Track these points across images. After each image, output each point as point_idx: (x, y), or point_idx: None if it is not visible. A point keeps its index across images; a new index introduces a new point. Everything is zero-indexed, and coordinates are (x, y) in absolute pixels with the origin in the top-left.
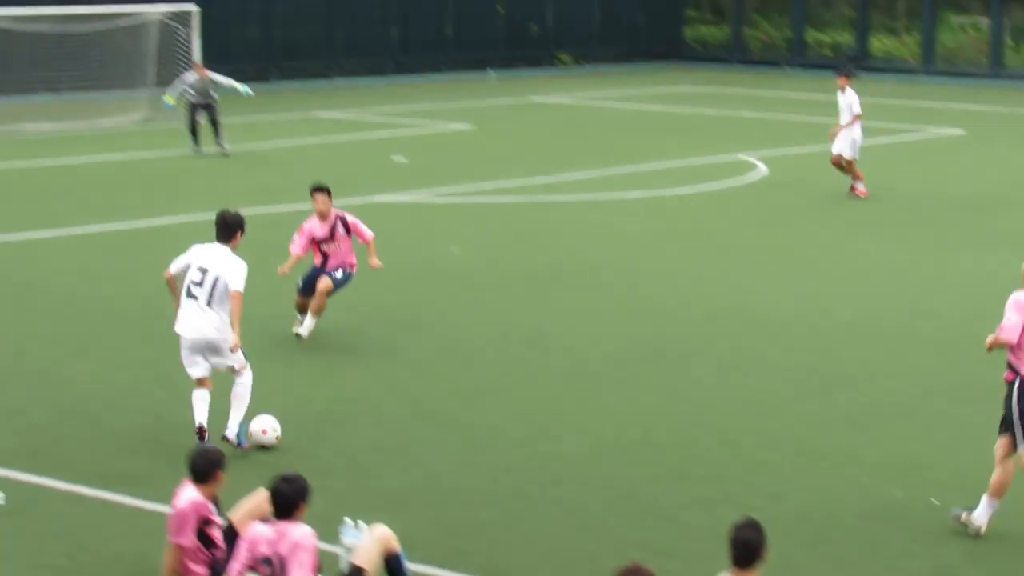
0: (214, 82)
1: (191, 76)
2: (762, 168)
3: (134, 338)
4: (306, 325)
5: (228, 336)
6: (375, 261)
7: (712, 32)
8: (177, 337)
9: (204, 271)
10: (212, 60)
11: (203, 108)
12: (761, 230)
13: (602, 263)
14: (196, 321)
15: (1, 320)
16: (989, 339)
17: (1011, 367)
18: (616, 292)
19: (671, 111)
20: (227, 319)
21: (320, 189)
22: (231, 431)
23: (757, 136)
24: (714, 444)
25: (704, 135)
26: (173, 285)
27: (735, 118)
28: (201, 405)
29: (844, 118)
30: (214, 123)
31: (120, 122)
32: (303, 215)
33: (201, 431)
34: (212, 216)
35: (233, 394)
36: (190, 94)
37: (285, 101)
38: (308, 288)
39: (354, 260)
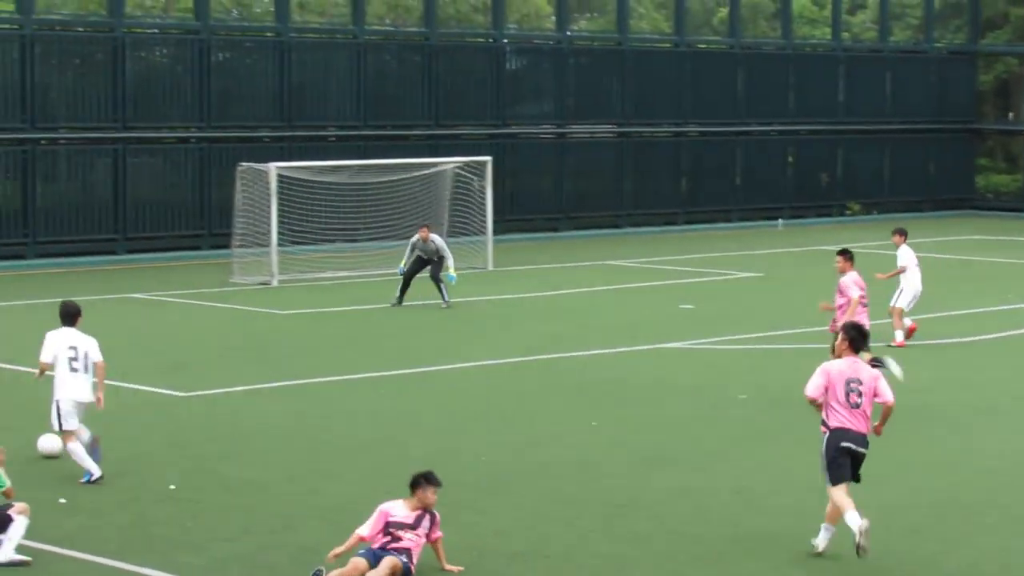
0: (436, 245)
1: (416, 237)
2: None
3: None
4: None
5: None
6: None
7: (1004, 181)
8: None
9: (75, 348)
10: (503, 210)
11: (427, 264)
12: None
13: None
14: (85, 388)
15: (295, 459)
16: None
17: (823, 423)
18: (899, 439)
19: (961, 259)
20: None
21: (432, 481)
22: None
23: None
24: None
25: (995, 284)
26: (46, 369)
27: None
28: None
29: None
30: (436, 279)
31: None
32: (592, 361)
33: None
34: (501, 361)
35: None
36: (419, 252)
37: (575, 250)
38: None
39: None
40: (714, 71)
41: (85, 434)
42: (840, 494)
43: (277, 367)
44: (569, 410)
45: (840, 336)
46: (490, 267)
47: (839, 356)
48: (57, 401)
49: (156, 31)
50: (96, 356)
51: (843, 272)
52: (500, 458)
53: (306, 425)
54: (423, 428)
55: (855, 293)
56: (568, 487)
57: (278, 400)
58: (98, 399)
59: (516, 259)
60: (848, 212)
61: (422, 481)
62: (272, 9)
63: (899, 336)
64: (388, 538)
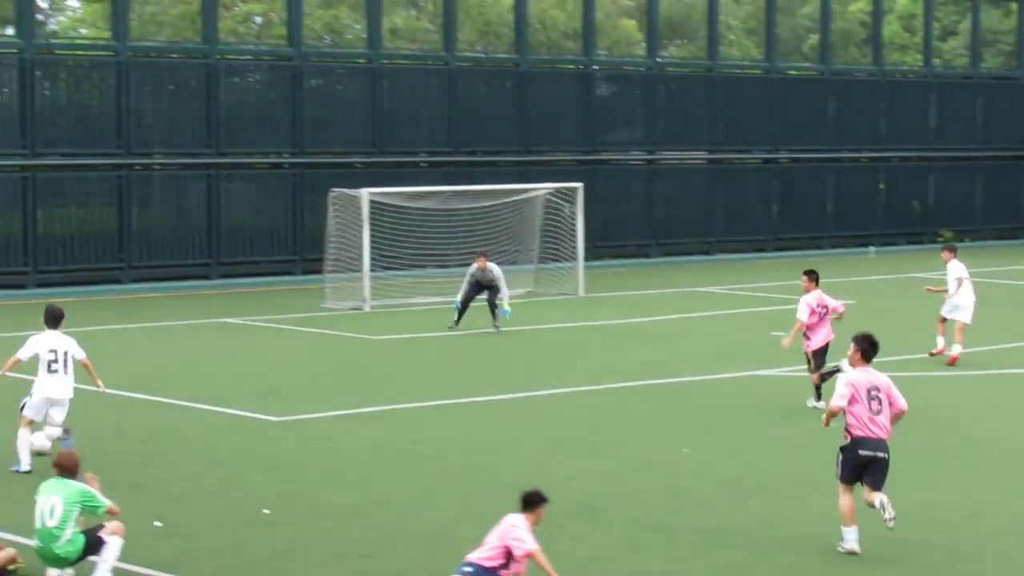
0: (493, 275)
1: (474, 266)
2: None
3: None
4: None
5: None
6: None
7: None
8: (40, 399)
9: (55, 351)
10: (594, 236)
11: (485, 288)
12: None
13: (986, 438)
14: (63, 387)
15: (388, 484)
16: (825, 415)
17: (847, 429)
18: (998, 469)
19: None
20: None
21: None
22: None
23: None
24: None
25: None
26: (14, 365)
27: None
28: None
29: (952, 287)
30: (492, 304)
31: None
32: (684, 388)
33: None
34: (592, 388)
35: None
36: (477, 280)
37: (666, 277)
38: None
39: None
40: (805, 97)
41: (56, 430)
42: (846, 502)
43: (370, 392)
44: (661, 437)
45: (852, 347)
46: (581, 293)
47: (851, 367)
48: (32, 394)
49: (250, 57)
50: (80, 355)
51: (807, 291)
52: (592, 484)
53: (399, 450)
54: (515, 454)
55: (802, 315)
56: (661, 514)
57: (371, 425)
58: (97, 383)
59: (607, 285)
60: (940, 239)
61: (538, 499)
62: (364, 36)
63: (956, 349)
64: (503, 561)
